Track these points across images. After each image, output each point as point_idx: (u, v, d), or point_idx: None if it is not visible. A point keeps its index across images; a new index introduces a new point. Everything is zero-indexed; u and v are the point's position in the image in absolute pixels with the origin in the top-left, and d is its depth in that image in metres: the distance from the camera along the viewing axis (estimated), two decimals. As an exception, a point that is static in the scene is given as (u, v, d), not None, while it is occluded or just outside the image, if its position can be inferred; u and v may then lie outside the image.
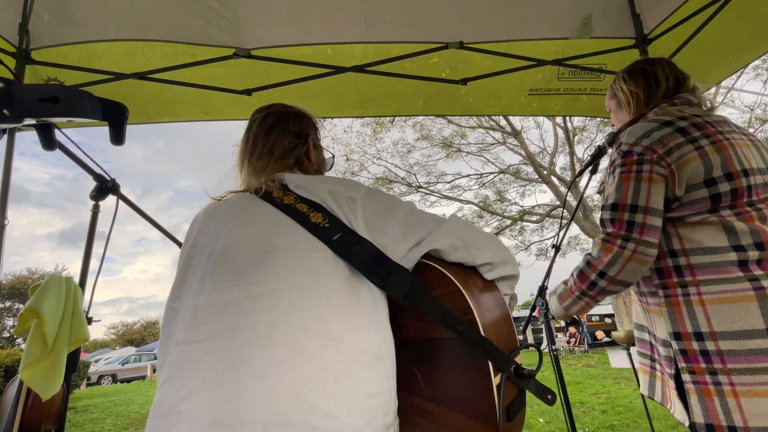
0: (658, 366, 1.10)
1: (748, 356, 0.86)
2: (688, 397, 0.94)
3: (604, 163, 1.29)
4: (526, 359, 0.61)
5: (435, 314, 0.64)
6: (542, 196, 15.41)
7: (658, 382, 1.12)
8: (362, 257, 0.67)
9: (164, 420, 0.60)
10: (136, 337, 40.07)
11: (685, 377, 0.94)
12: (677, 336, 0.96)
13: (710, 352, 0.90)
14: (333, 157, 1.06)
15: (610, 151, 1.32)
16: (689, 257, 0.96)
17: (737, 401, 0.86)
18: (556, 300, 1.20)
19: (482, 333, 0.62)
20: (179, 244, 1.81)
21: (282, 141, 0.90)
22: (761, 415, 0.83)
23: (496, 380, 0.60)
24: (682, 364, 0.95)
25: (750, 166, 0.96)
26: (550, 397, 0.63)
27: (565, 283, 1.17)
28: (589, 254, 1.07)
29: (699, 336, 0.92)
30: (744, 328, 0.87)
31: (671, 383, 1.00)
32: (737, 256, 0.91)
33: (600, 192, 1.20)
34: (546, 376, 7.05)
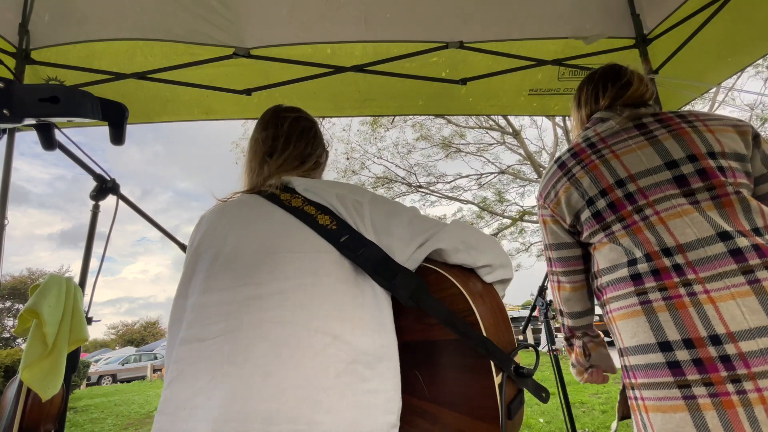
0: None
1: (647, 371, 0.85)
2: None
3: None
4: (523, 359, 0.62)
5: (438, 316, 0.65)
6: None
7: None
8: (368, 259, 0.68)
9: (173, 416, 0.61)
10: (136, 337, 40.10)
11: (629, 393, 0.95)
12: (619, 352, 0.97)
13: (627, 367, 0.91)
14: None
15: None
16: (601, 278, 0.99)
17: (647, 416, 0.85)
18: (572, 369, 1.25)
19: (484, 333, 0.63)
20: (179, 243, 1.81)
21: (315, 149, 0.93)
22: (666, 430, 0.80)
23: (497, 380, 0.61)
24: (624, 380, 0.96)
25: (629, 173, 0.95)
26: (544, 395, 0.64)
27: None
28: (539, 296, 1.26)
29: (621, 352, 0.94)
30: (639, 342, 0.86)
31: (619, 397, 1.13)
32: (629, 271, 0.90)
33: None
34: (546, 376, 7.05)
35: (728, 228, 0.83)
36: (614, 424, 1.17)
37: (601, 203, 0.97)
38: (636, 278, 0.88)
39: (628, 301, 0.89)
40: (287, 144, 0.90)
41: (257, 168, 0.90)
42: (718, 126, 0.95)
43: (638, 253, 0.89)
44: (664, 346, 0.82)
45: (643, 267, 0.88)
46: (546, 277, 2.08)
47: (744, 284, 0.78)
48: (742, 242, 0.81)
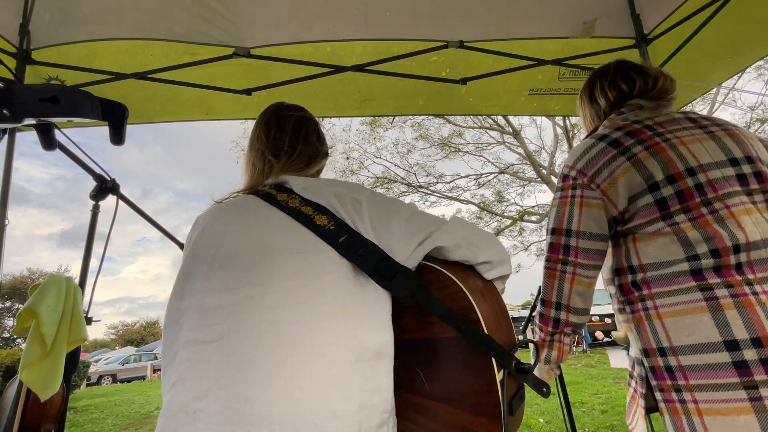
0: (632, 383, 1.07)
1: (707, 371, 0.81)
2: (662, 417, 0.90)
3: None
4: (523, 356, 0.62)
5: (439, 314, 0.65)
6: (542, 196, 15.44)
7: (628, 398, 1.10)
8: (368, 259, 0.68)
9: (176, 420, 0.61)
10: (136, 337, 40.10)
11: (657, 396, 0.90)
12: (646, 353, 0.92)
13: (673, 368, 0.86)
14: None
15: None
16: (646, 272, 0.93)
17: (702, 420, 0.81)
18: (538, 365, 1.12)
19: (485, 331, 0.63)
20: (179, 243, 1.81)
21: (318, 150, 0.93)
22: None
23: (499, 376, 0.62)
24: (653, 382, 0.91)
25: (699, 162, 0.91)
26: (545, 390, 0.64)
27: (534, 343, 1.07)
28: (539, 296, 1.09)
29: (662, 351, 0.88)
30: (699, 341, 0.82)
31: (642, 402, 0.99)
32: (689, 265, 0.86)
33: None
34: (546, 376, 7.04)
35: None
36: (642, 424, 1.02)
37: (668, 190, 0.90)
38: (697, 273, 0.85)
39: (689, 296, 0.85)
40: (294, 144, 0.89)
41: (260, 166, 0.89)
42: (752, 136, 0.98)
43: (703, 248, 0.85)
44: (731, 345, 0.79)
45: (707, 262, 0.85)
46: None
47: None
48: None
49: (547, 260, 1.05)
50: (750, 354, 0.77)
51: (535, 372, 1.09)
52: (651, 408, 0.96)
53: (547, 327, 1.06)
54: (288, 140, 0.89)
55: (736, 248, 0.84)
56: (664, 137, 0.95)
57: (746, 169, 0.90)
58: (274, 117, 0.93)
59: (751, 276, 0.82)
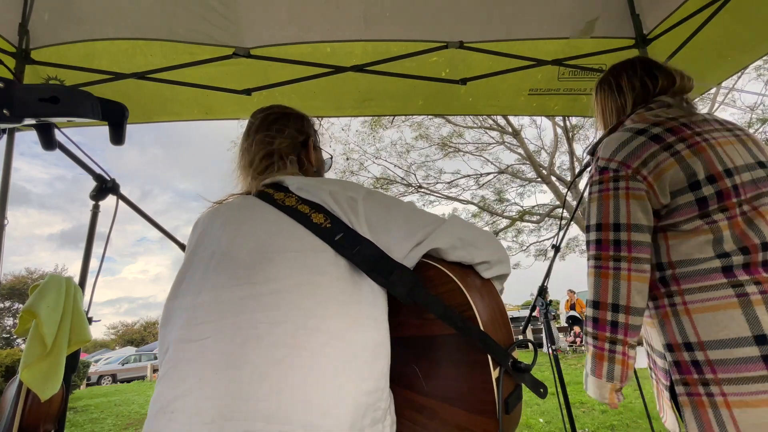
0: (653, 376, 1.08)
1: (737, 365, 0.83)
2: (682, 409, 0.91)
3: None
4: (522, 358, 0.62)
5: (436, 311, 0.65)
6: (542, 196, 15.42)
7: (654, 391, 1.10)
8: (364, 257, 0.67)
9: (156, 420, 0.61)
10: (136, 337, 40.10)
11: (679, 389, 0.92)
12: (670, 347, 0.94)
13: (701, 363, 0.88)
14: (331, 157, 1.07)
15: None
16: (675, 268, 0.94)
17: (730, 412, 0.83)
18: (593, 380, 0.99)
19: (481, 328, 0.63)
20: (178, 243, 1.81)
21: (283, 142, 0.91)
22: (755, 426, 0.80)
23: (495, 374, 0.61)
24: (676, 376, 0.93)
25: (734, 164, 0.93)
26: (542, 390, 0.64)
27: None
28: (588, 301, 1.01)
29: (689, 346, 0.90)
30: (729, 336, 0.85)
31: (666, 394, 0.99)
32: (721, 262, 0.89)
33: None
34: (546, 376, 7.05)
35: None
36: (674, 424, 1.01)
37: (709, 190, 0.91)
38: (728, 270, 0.88)
39: (720, 292, 0.87)
40: (257, 144, 0.91)
41: (246, 171, 0.91)
42: (760, 140, 1.01)
43: (733, 246, 0.89)
44: (761, 340, 0.82)
45: (737, 259, 0.88)
46: (547, 275, 2.08)
47: None
48: None
49: (596, 258, 0.99)
50: None
51: (592, 390, 1.00)
52: (673, 400, 0.97)
53: (605, 332, 0.96)
54: (256, 139, 0.91)
55: (765, 246, 0.88)
56: (704, 137, 0.97)
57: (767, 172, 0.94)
58: (251, 122, 0.96)
59: None
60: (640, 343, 1.00)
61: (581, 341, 10.94)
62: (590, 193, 1.04)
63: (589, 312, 1.00)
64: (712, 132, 0.98)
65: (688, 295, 0.91)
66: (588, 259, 1.01)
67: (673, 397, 0.95)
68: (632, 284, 0.94)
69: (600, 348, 0.97)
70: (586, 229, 1.04)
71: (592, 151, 1.15)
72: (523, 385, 0.67)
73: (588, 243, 1.03)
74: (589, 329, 0.99)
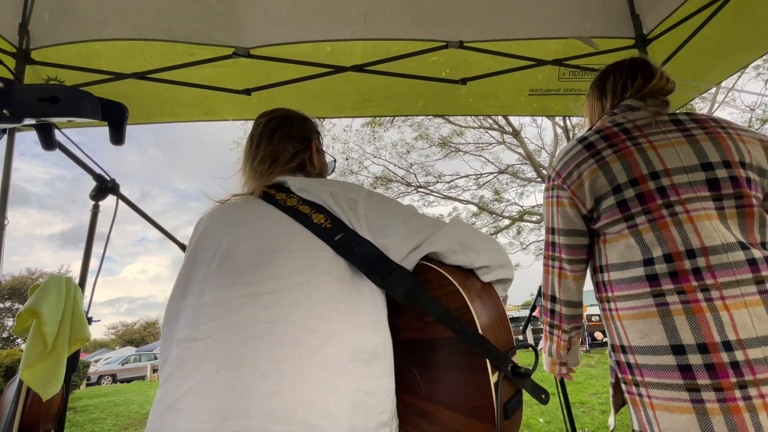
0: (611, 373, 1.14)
1: (657, 371, 0.86)
2: (628, 405, 0.96)
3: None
4: (523, 359, 0.61)
5: (434, 313, 0.65)
6: (542, 196, 15.37)
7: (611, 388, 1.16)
8: (363, 257, 0.68)
9: (163, 418, 0.61)
10: (136, 337, 40.10)
11: (623, 387, 0.96)
12: (613, 348, 0.98)
13: (632, 365, 0.91)
14: (335, 160, 1.08)
15: None
16: (609, 273, 0.97)
17: (654, 413, 0.86)
18: (543, 356, 1.21)
19: (480, 332, 0.63)
20: (178, 243, 1.82)
21: (285, 145, 0.92)
22: (672, 430, 0.82)
23: (493, 378, 0.61)
24: (619, 375, 0.97)
25: (666, 167, 0.93)
26: (544, 396, 0.64)
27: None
28: (539, 295, 1.17)
29: (623, 349, 0.94)
30: (650, 344, 0.87)
31: (611, 390, 1.06)
32: (645, 270, 0.89)
33: None
34: (546, 376, 7.05)
35: (743, 239, 0.86)
36: (612, 419, 1.13)
37: (630, 192, 0.93)
38: (652, 279, 0.88)
39: (642, 302, 0.89)
40: (259, 146, 0.92)
41: (248, 172, 0.92)
42: (748, 137, 0.96)
43: (657, 252, 0.88)
44: (677, 350, 0.83)
45: (661, 267, 0.87)
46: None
47: (755, 294, 0.80)
48: (757, 254, 0.83)
49: (544, 257, 1.14)
50: (695, 359, 0.81)
51: (544, 364, 1.18)
52: (619, 399, 1.05)
53: (546, 318, 1.14)
54: (260, 141, 0.93)
55: (690, 253, 0.85)
56: (636, 141, 0.98)
57: (720, 173, 0.90)
58: (255, 124, 0.97)
59: (710, 281, 0.83)
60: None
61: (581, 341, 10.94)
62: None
63: (542, 302, 1.19)
64: (653, 134, 0.98)
65: (619, 302, 0.94)
66: None
67: (616, 393, 1.04)
68: (562, 281, 1.09)
69: (546, 330, 1.16)
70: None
71: None
72: (522, 390, 0.66)
73: None
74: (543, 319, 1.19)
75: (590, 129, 1.11)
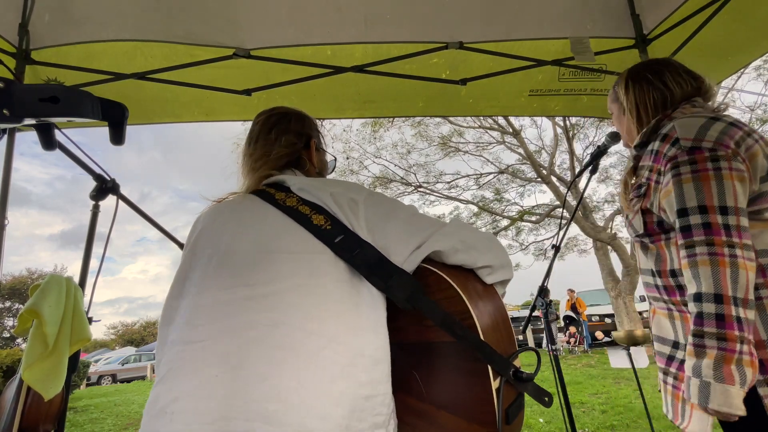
0: (670, 380, 1.03)
1: None
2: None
3: (604, 162, 1.25)
4: (524, 359, 0.61)
5: (435, 318, 0.64)
6: (542, 196, 15.44)
7: (669, 396, 1.04)
8: (364, 259, 0.67)
9: (156, 420, 0.61)
10: (136, 337, 40.07)
11: (763, 390, 0.85)
12: (757, 345, 0.84)
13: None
14: (335, 159, 1.07)
15: (612, 148, 1.28)
16: (758, 259, 0.87)
17: None
18: (722, 389, 0.81)
19: (482, 337, 0.62)
20: (178, 243, 1.81)
21: (283, 141, 0.91)
22: None
23: (495, 384, 0.60)
24: (759, 377, 0.85)
25: None
26: (547, 399, 0.63)
27: (699, 354, 0.84)
28: (694, 292, 0.87)
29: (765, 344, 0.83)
30: None
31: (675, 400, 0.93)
32: None
33: (641, 195, 1.05)
34: (546, 377, 7.05)
35: None
36: (706, 420, 0.90)
37: None
38: None
39: None
40: (257, 144, 0.92)
41: (247, 171, 0.92)
42: None
43: None
44: None
45: None
46: (547, 275, 2.08)
47: None
48: None
49: (709, 244, 0.85)
50: None
51: (718, 401, 0.80)
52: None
53: (734, 331, 0.81)
54: (258, 139, 0.93)
55: None
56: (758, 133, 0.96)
57: None
58: (254, 123, 0.97)
59: None
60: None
61: (575, 341, 10.93)
62: (676, 175, 0.92)
63: (706, 308, 0.84)
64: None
65: None
66: (690, 246, 0.88)
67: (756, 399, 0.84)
68: (749, 275, 0.83)
69: (731, 350, 0.81)
70: (677, 214, 0.91)
71: (645, 143, 1.10)
72: (524, 393, 0.66)
73: (687, 228, 0.89)
74: (711, 329, 0.83)
75: (675, 113, 1.06)
